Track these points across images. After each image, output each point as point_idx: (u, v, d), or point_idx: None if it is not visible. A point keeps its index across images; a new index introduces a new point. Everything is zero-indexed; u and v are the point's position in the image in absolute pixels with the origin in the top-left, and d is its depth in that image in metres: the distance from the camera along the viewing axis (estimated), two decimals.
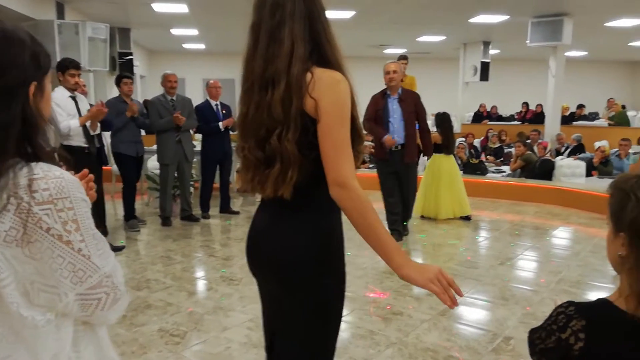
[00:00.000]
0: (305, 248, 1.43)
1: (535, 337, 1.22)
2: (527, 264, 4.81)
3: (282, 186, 1.38)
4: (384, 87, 5.18)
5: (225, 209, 6.69)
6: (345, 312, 3.53)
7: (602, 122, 12.76)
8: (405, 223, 5.49)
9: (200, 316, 3.49)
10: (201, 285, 4.20)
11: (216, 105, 6.39)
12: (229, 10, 9.18)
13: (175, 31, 11.31)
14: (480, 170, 8.71)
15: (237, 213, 6.69)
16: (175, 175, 6.15)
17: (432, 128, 6.16)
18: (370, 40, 12.93)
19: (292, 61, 1.36)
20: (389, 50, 14.88)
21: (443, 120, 6.24)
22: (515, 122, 13.71)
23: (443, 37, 12.44)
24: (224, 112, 6.40)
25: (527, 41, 9.75)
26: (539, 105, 13.35)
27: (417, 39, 12.70)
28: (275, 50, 1.38)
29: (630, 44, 13.39)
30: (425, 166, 6.55)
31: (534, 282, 4.26)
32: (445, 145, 6.20)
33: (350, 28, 10.98)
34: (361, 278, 4.27)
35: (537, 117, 13.07)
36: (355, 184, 1.36)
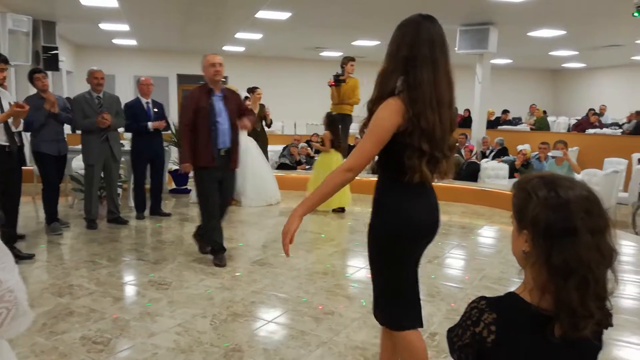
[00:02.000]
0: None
1: (453, 336, 1.26)
2: (453, 262, 5.00)
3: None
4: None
5: (156, 210, 6.50)
6: (277, 313, 3.55)
7: (524, 126, 13.49)
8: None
9: (126, 322, 3.37)
10: (128, 290, 4.05)
11: (147, 103, 6.20)
12: (161, 6, 8.94)
13: (104, 26, 10.86)
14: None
15: (168, 215, 6.52)
16: (102, 175, 5.91)
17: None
18: (307, 42, 13.00)
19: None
20: (325, 53, 15.02)
21: (331, 121, 7.01)
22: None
23: (378, 42, 12.70)
24: (155, 110, 6.23)
25: (456, 48, 10.16)
26: (467, 110, 13.92)
27: (352, 43, 12.90)
28: (448, 83, 1.96)
29: (550, 53, 14.25)
30: (316, 161, 7.18)
31: (459, 279, 4.44)
32: (337, 144, 6.94)
33: (286, 30, 10.99)
34: (295, 279, 4.27)
35: (465, 121, 13.62)
36: (348, 168, 2.04)
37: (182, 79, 15.96)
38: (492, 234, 6.39)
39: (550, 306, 1.15)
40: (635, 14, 6.63)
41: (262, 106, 8.31)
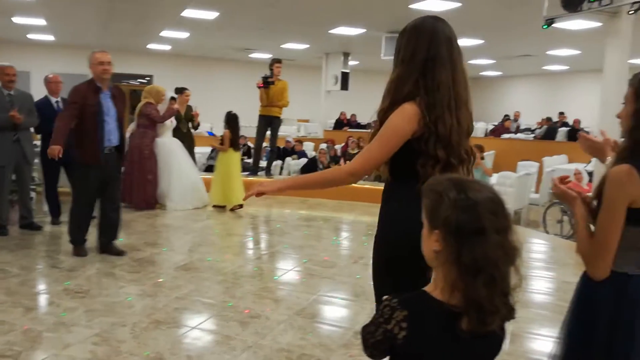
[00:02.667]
0: None
1: (366, 333, 1.29)
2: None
3: None
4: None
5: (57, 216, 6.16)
6: (202, 318, 3.48)
7: None
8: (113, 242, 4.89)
9: (38, 334, 3.17)
10: (41, 299, 3.81)
11: (57, 102, 5.87)
12: (81, 1, 8.53)
13: (18, 19, 10.19)
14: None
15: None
16: (14, 178, 5.54)
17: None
18: (235, 43, 12.87)
19: None
20: (254, 55, 14.94)
21: (230, 119, 7.06)
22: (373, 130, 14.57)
23: (306, 46, 12.82)
24: None
25: (382, 54, 10.44)
26: None
27: (281, 46, 12.92)
28: (465, 81, 1.87)
29: (469, 61, 14.98)
30: (216, 162, 7.26)
31: None
32: (235, 142, 7.04)
33: (214, 29, 10.83)
34: (221, 283, 4.21)
35: None
36: (352, 171, 1.93)
37: None
38: None
39: (459, 303, 1.21)
40: (544, 27, 7.11)
41: (189, 107, 8.14)
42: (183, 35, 11.66)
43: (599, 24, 8.47)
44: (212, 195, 7.10)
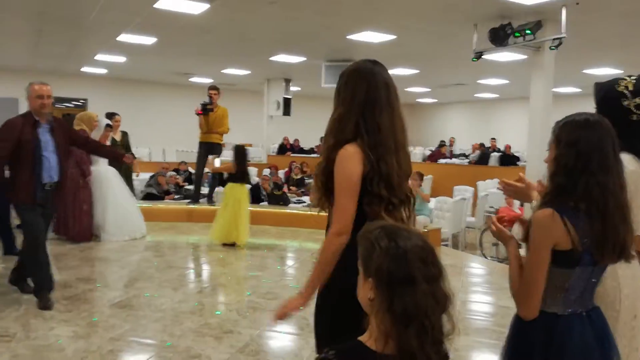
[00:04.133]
0: None
1: None
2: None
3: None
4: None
5: (11, 250, 5.79)
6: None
7: None
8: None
9: None
10: None
11: None
12: (8, 24, 8.16)
13: None
14: (283, 200, 9.07)
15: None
16: None
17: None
18: (174, 67, 12.69)
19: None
20: (194, 79, 14.79)
21: (238, 153, 6.66)
22: (315, 155, 14.69)
23: (248, 72, 12.83)
24: None
25: (322, 82, 10.62)
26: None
27: (222, 71, 12.87)
28: (403, 125, 1.96)
29: (406, 89, 15.51)
30: (225, 194, 6.75)
31: None
32: (241, 176, 6.63)
33: (153, 54, 10.64)
34: (159, 321, 4.04)
35: None
36: (337, 233, 1.93)
37: None
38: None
39: (393, 352, 1.22)
40: (474, 59, 7.50)
41: (124, 133, 7.90)
42: (120, 59, 11.37)
43: (524, 57, 9.02)
44: (216, 231, 6.57)
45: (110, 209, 6.80)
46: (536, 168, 7.04)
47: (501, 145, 14.59)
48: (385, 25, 7.60)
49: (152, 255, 6.36)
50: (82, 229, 6.70)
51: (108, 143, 6.97)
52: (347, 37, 8.20)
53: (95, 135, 6.86)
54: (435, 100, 19.28)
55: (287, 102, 13.52)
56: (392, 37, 8.10)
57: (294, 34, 8.45)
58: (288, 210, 8.56)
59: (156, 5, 6.69)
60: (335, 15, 7.18)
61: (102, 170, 6.95)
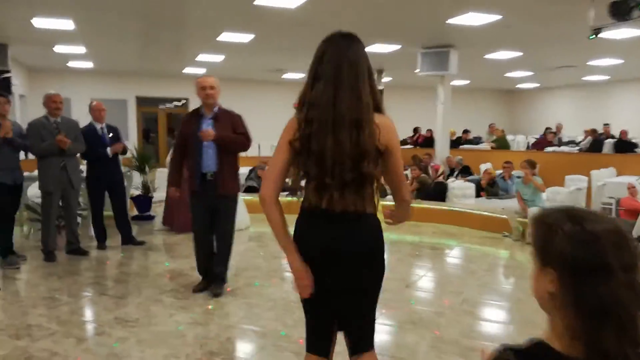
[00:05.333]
0: (380, 240, 2.01)
1: None
2: (429, 285, 4.93)
3: (369, 203, 1.92)
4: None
5: (128, 240, 6.19)
6: (256, 349, 3.36)
7: (485, 145, 13.78)
8: (222, 278, 4.50)
9: None
10: (91, 329, 3.76)
11: (101, 128, 5.94)
12: (119, 28, 8.71)
13: (59, 48, 10.48)
14: (380, 192, 8.94)
15: (142, 243, 6.21)
16: (60, 204, 5.59)
17: None
18: (269, 64, 12.95)
19: (369, 111, 1.85)
20: (287, 75, 15.01)
21: None
22: (408, 146, 14.38)
23: None
24: (110, 135, 5.97)
25: (417, 70, 10.31)
26: (429, 130, 14.13)
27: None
28: (357, 101, 1.83)
29: (506, 74, 14.70)
30: None
31: (438, 304, 4.36)
32: None
33: (249, 52, 10.90)
34: (271, 310, 4.09)
35: (428, 141, 13.81)
36: (410, 197, 2.10)
37: (141, 101, 15.59)
38: (464, 254, 6.38)
39: (581, 354, 1.05)
40: (591, 37, 6.86)
41: None
42: (218, 58, 11.79)
43: None
44: None
45: None
46: None
47: (615, 131, 13.41)
48: (490, 5, 7.18)
49: (257, 245, 6.51)
50: (187, 220, 6.99)
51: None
52: (447, 21, 7.86)
53: None
54: (538, 85, 18.08)
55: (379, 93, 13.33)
56: (497, 17, 7.63)
57: (390, 22, 8.25)
58: (386, 202, 8.38)
59: (256, 2, 6.80)
60: None
61: None
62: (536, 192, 6.74)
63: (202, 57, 11.76)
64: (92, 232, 6.24)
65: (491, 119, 16.99)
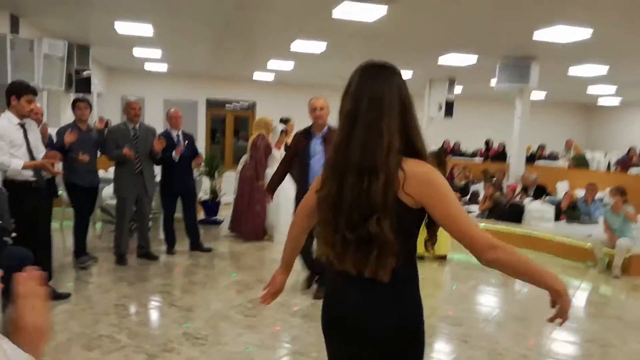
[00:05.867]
0: (408, 317, 1.57)
1: None
2: (511, 321, 4.58)
3: (381, 271, 1.50)
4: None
5: (196, 246, 6.23)
6: None
7: (562, 163, 13.02)
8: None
9: None
10: (161, 344, 3.69)
11: (177, 135, 5.98)
12: (194, 33, 8.83)
13: (137, 51, 10.80)
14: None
15: (209, 250, 6.23)
16: (134, 208, 5.67)
17: None
18: (338, 72, 12.80)
19: (390, 154, 1.49)
20: None
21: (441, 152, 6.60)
22: (479, 159, 13.83)
23: (410, 71, 12.45)
24: (186, 142, 6.00)
25: (495, 80, 9.83)
26: (501, 144, 13.53)
27: None
28: (373, 142, 1.50)
29: (588, 89, 13.85)
30: None
31: (524, 345, 4.01)
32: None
33: (320, 60, 10.82)
34: None
35: (500, 156, 13.22)
36: (496, 242, 1.50)
37: (211, 103, 15.87)
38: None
39: None
40: None
41: None
42: (289, 65, 11.77)
43: None
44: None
45: (282, 209, 6.95)
46: None
47: None
48: (581, 17, 6.68)
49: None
50: (255, 227, 6.97)
51: (282, 148, 7.14)
52: (534, 31, 7.39)
53: (272, 139, 7.08)
54: (620, 100, 16.87)
55: (449, 104, 12.89)
56: (588, 30, 7.10)
57: (469, 33, 7.89)
58: None
59: (335, 15, 6.65)
60: (518, 9, 6.49)
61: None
62: (626, 222, 6.19)
63: (272, 63, 11.78)
64: (162, 236, 6.30)
65: (568, 134, 16.07)
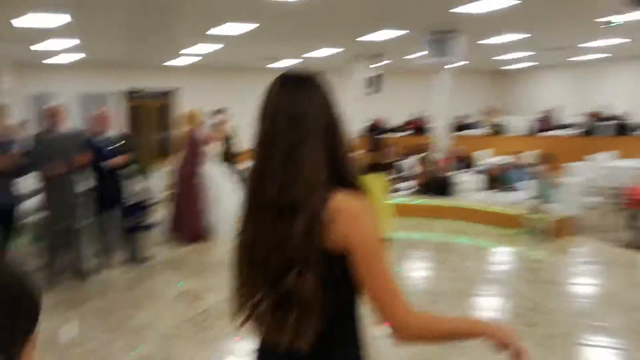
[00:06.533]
0: None
1: None
2: (452, 296, 4.70)
3: (299, 338, 1.19)
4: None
5: (134, 257, 5.88)
6: None
7: (483, 130, 13.52)
8: None
9: None
10: None
11: (106, 140, 5.57)
12: (112, 19, 8.24)
13: (49, 43, 9.96)
14: None
15: (146, 260, 5.89)
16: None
17: None
18: (263, 53, 12.50)
19: (313, 189, 1.21)
20: (276, 64, 14.58)
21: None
22: (403, 133, 14.10)
23: (337, 50, 12.35)
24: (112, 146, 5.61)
25: (421, 54, 9.92)
26: (420, 118, 13.80)
27: (306, 54, 12.57)
28: (292, 173, 1.22)
29: (500, 57, 14.32)
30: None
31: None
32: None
33: (246, 41, 10.48)
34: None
35: (421, 129, 13.52)
36: (413, 320, 1.22)
37: (131, 94, 15.04)
38: (492, 253, 6.19)
39: None
40: (612, 24, 6.59)
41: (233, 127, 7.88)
42: (215, 48, 11.33)
43: None
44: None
45: (222, 207, 6.74)
46: None
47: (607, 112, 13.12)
48: None
49: None
50: (196, 229, 6.72)
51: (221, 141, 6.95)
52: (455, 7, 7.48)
53: (201, 132, 6.82)
54: (531, 64, 17.39)
55: (377, 79, 12.96)
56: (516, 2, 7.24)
57: (394, 7, 7.87)
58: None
59: None
60: None
61: (209, 169, 6.90)
62: (553, 188, 6.57)
63: (198, 46, 11.25)
64: (92, 250, 5.90)
65: (483, 102, 16.63)
